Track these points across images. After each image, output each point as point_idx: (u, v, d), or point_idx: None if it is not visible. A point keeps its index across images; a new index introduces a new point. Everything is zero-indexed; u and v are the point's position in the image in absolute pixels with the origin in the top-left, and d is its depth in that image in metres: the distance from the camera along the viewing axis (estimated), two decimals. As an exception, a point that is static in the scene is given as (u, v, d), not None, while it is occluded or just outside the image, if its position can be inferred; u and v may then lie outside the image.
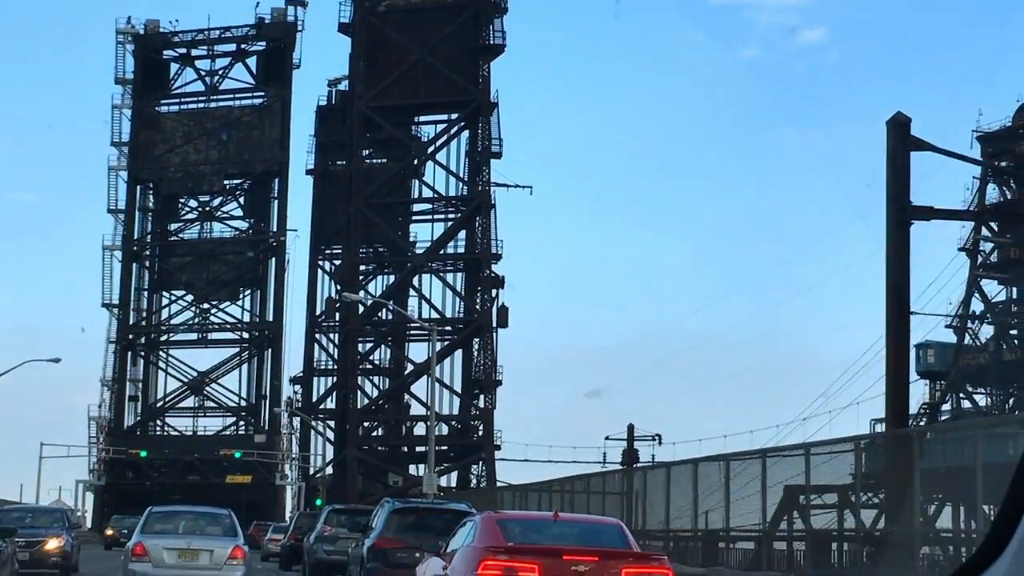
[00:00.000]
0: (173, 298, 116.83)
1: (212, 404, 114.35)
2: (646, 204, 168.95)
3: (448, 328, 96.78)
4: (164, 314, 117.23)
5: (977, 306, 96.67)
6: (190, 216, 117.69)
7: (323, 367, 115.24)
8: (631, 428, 66.65)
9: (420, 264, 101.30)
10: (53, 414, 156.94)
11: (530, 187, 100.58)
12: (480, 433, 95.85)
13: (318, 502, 79.28)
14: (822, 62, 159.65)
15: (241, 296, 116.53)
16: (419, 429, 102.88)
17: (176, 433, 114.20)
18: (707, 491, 29.38)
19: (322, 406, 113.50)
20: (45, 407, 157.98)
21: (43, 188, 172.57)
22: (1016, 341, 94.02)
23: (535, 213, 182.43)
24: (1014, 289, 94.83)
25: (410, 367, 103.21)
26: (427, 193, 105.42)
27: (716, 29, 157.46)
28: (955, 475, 22.54)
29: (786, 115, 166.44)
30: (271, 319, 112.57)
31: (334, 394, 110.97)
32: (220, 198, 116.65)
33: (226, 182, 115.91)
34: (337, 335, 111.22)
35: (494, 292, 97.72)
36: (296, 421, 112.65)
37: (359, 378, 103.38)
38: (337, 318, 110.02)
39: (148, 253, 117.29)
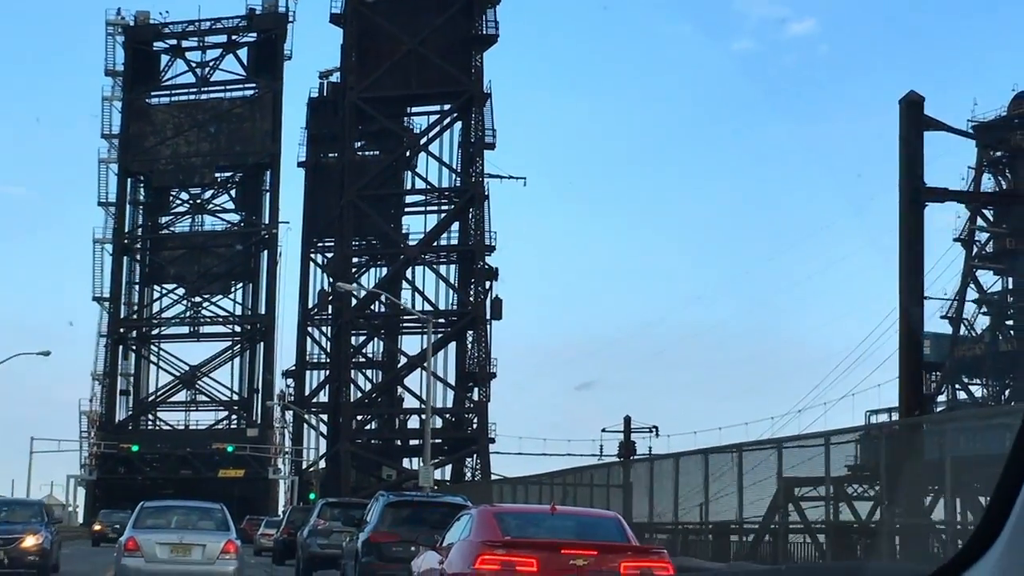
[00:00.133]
0: (164, 291, 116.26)
1: (204, 398, 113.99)
2: (640, 196, 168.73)
3: (442, 320, 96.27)
4: (155, 307, 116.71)
5: (972, 297, 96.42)
6: (181, 209, 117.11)
7: (315, 361, 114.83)
8: (627, 420, 66.21)
9: (413, 256, 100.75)
10: (43, 409, 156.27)
11: (524, 178, 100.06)
12: (474, 426, 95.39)
13: (311, 496, 78.87)
14: (812, 54, 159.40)
15: (233, 289, 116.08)
16: (413, 422, 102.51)
17: (168, 427, 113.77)
18: (712, 482, 28.99)
19: (315, 400, 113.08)
20: (35, 402, 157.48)
21: (32, 181, 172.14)
22: (1012, 332, 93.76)
23: (529, 205, 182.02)
24: (1010, 279, 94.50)
25: (403, 360, 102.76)
26: (420, 184, 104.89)
27: (706, 21, 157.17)
28: (953, 466, 22.14)
29: (778, 108, 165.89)
30: (263, 312, 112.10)
31: (327, 388, 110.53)
32: (211, 191, 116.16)
33: (217, 174, 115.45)
34: (330, 328, 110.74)
35: (488, 284, 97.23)
36: (289, 415, 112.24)
37: (352, 371, 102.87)
38: (330, 311, 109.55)
39: (139, 246, 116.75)
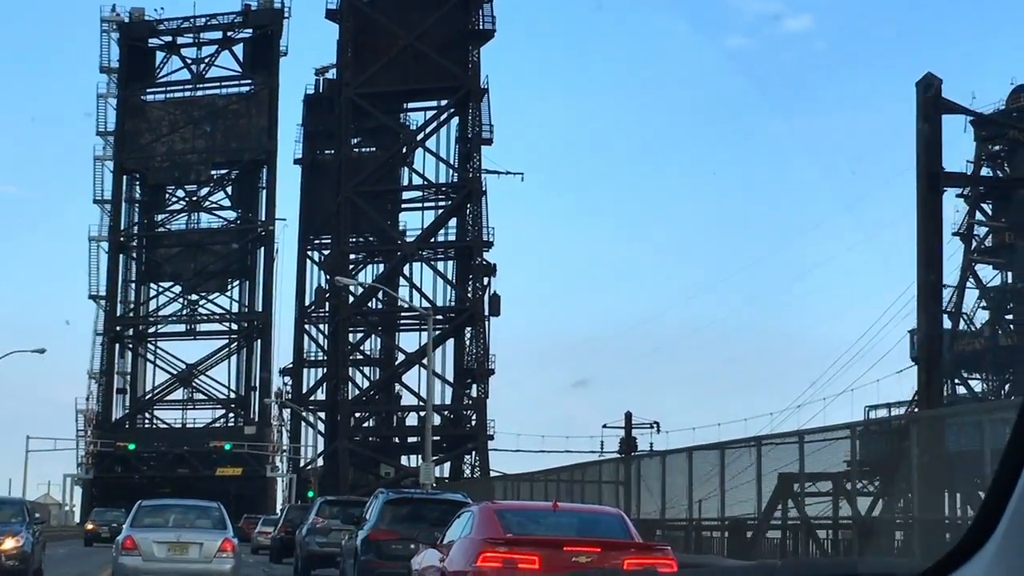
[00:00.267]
0: (161, 289, 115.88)
1: (201, 396, 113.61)
2: (637, 191, 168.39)
3: (440, 317, 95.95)
4: (152, 305, 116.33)
5: (972, 291, 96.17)
6: (177, 206, 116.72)
7: (313, 358, 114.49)
8: (628, 416, 65.83)
9: (410, 252, 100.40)
10: (40, 408, 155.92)
11: (521, 174, 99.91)
12: (473, 423, 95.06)
13: (310, 494, 78.57)
14: (808, 51, 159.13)
15: (230, 287, 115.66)
16: (411, 419, 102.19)
17: (165, 426, 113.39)
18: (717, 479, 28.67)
19: (312, 397, 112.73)
20: (32, 401, 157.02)
21: (27, 180, 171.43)
22: (1012, 326, 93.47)
23: (526, 200, 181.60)
24: (1009, 273, 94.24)
25: (401, 357, 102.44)
26: (417, 181, 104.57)
27: (701, 18, 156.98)
28: (954, 461, 22.15)
29: (774, 104, 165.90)
30: (260, 310, 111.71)
31: (324, 385, 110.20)
32: (207, 188, 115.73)
33: (213, 171, 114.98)
34: (327, 326, 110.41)
35: (486, 280, 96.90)
36: (286, 413, 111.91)
37: (349, 369, 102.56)
38: (327, 308, 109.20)
39: (135, 244, 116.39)
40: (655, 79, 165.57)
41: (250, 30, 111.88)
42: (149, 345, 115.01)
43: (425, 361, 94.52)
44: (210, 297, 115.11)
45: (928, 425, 21.89)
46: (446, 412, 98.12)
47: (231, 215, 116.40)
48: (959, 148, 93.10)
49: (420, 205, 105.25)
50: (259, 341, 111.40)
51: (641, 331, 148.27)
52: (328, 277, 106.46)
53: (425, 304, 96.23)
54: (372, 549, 22.37)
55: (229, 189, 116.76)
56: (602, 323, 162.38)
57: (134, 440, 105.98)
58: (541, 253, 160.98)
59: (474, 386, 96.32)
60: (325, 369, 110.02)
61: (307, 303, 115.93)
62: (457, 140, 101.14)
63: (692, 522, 30.03)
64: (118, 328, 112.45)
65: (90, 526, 65.21)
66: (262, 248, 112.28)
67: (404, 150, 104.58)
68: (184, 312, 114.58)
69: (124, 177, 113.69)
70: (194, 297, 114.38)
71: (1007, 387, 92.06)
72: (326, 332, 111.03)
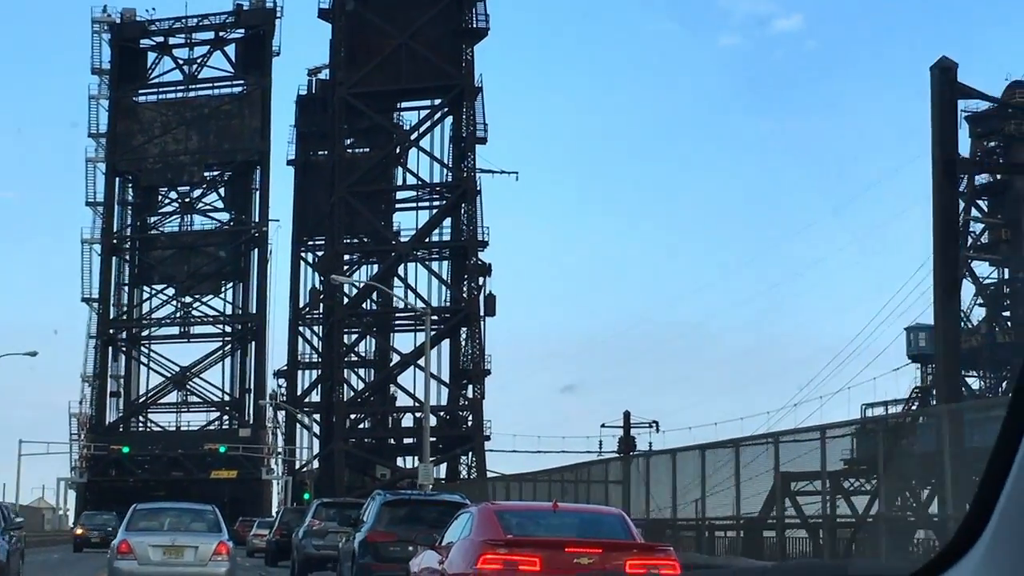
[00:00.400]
0: (154, 292, 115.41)
1: (195, 399, 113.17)
2: (631, 190, 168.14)
3: (435, 317, 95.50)
4: (145, 308, 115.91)
5: (968, 288, 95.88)
6: (170, 208, 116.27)
7: (307, 360, 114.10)
8: (627, 415, 65.39)
9: (405, 253, 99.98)
10: (33, 412, 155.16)
11: (516, 173, 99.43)
12: (469, 423, 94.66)
13: (306, 496, 78.18)
14: (799, 49, 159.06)
15: (223, 289, 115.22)
16: (406, 421, 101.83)
17: (159, 429, 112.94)
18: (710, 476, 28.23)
19: (307, 399, 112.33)
20: (25, 405, 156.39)
21: (19, 183, 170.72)
22: (1009, 323, 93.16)
23: (521, 200, 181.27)
24: (1006, 270, 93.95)
25: (395, 358, 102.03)
26: (411, 180, 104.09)
27: (693, 18, 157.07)
28: (953, 458, 21.65)
29: (769, 103, 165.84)
30: (254, 312, 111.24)
31: (319, 387, 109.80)
32: (200, 189, 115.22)
33: (206, 173, 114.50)
34: (321, 327, 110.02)
35: (481, 280, 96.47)
36: (281, 415, 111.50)
37: (344, 370, 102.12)
38: (321, 309, 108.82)
39: (128, 246, 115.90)
40: (649, 77, 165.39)
41: (242, 30, 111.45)
42: (143, 348, 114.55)
43: (420, 362, 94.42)
44: (204, 299, 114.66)
45: (952, 419, 21.54)
46: (442, 413, 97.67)
47: (224, 217, 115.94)
48: (959, 145, 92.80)
49: (414, 205, 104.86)
50: (253, 343, 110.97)
51: (636, 331, 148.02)
52: (322, 278, 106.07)
53: (420, 304, 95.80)
54: (370, 551, 22.12)
55: (222, 191, 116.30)
56: (597, 322, 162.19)
57: (128, 443, 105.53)
58: (536, 253, 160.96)
59: (470, 387, 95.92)
60: (320, 371, 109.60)
61: (301, 305, 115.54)
62: (451, 139, 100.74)
63: (703, 521, 29.51)
64: (111, 331, 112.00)
65: (79, 531, 61.76)
66: (255, 250, 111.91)
67: (398, 150, 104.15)
68: (178, 314, 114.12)
69: (116, 179, 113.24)
70: (188, 299, 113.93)
71: (1005, 384, 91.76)
72: (320, 334, 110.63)
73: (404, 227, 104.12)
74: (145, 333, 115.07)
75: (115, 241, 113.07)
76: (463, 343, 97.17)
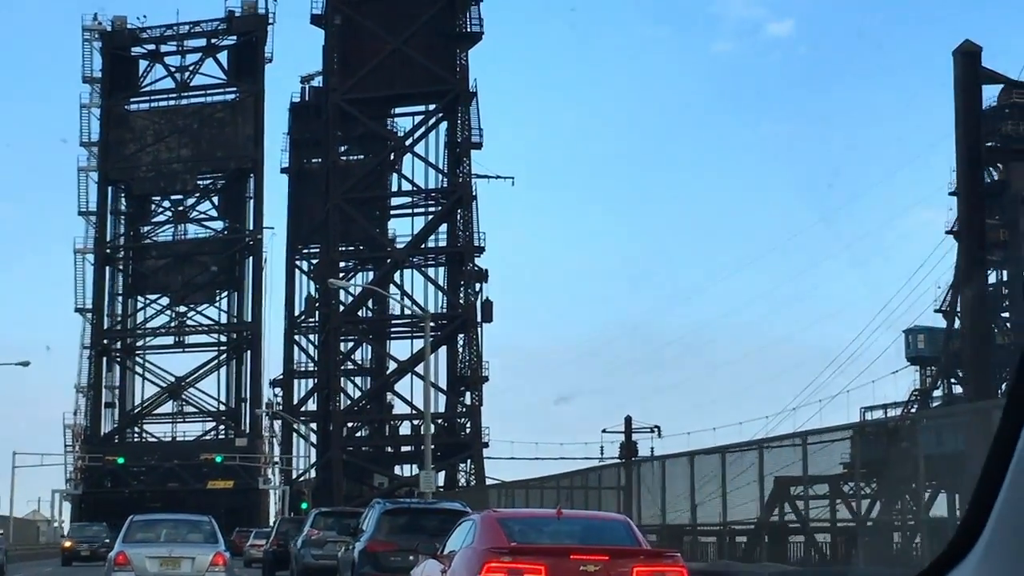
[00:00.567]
0: (148, 301, 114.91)
1: (191, 409, 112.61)
2: (628, 194, 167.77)
3: (432, 324, 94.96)
4: (139, 318, 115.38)
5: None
6: (163, 217, 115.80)
7: (303, 369, 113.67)
8: (628, 420, 64.84)
9: (401, 259, 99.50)
10: (28, 424, 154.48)
11: (512, 178, 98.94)
12: (467, 431, 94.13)
13: (304, 506, 77.64)
14: (792, 55, 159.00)
15: (218, 298, 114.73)
16: (404, 428, 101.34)
17: (154, 439, 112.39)
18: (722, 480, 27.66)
19: (303, 408, 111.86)
20: (19, 417, 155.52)
21: (9, 193, 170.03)
22: (1008, 325, 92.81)
23: (518, 205, 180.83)
24: (1004, 272, 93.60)
25: (392, 366, 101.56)
26: (406, 186, 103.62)
27: (685, 23, 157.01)
28: (951, 461, 22.00)
29: (766, 107, 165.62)
30: (249, 320, 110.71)
31: (315, 396, 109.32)
32: (194, 198, 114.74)
33: (199, 181, 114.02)
34: (317, 336, 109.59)
35: (477, 286, 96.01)
36: (277, 425, 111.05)
37: (340, 379, 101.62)
38: (317, 317, 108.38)
39: (121, 256, 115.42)
40: (643, 81, 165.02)
41: (234, 37, 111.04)
42: (137, 358, 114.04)
43: (418, 369, 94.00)
44: (198, 308, 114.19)
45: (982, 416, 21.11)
46: (440, 420, 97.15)
47: (218, 225, 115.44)
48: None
49: (410, 211, 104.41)
50: (249, 352, 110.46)
51: (634, 336, 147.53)
52: (318, 286, 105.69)
53: (417, 311, 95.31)
54: (370, 561, 21.84)
55: (215, 199, 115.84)
56: (595, 327, 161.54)
57: (123, 454, 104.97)
58: (533, 258, 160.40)
59: (468, 393, 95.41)
60: (316, 379, 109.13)
61: (296, 313, 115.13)
62: (446, 144, 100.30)
63: (724, 527, 28.88)
64: (105, 341, 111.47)
65: (68, 543, 58.43)
66: (250, 258, 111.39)
67: (392, 156, 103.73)
68: (172, 324, 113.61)
69: (109, 188, 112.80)
70: (182, 309, 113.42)
71: (1004, 387, 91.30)
72: (316, 342, 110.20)
73: (400, 233, 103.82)
74: (140, 343, 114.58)
75: (108, 251, 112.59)
76: (460, 350, 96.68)
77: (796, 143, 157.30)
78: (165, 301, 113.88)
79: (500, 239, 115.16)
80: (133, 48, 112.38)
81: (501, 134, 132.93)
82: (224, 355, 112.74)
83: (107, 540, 50.99)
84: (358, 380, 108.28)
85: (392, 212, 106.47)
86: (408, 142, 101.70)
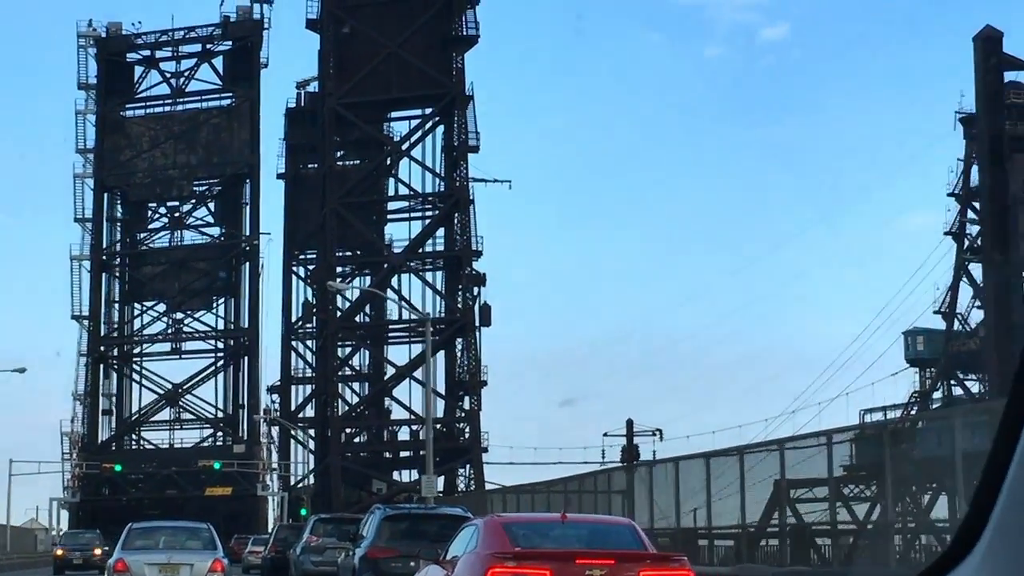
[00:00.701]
0: (145, 308, 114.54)
1: (189, 416, 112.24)
2: (626, 196, 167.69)
3: (430, 328, 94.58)
4: (136, 325, 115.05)
5: (966, 291, 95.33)
6: (159, 223, 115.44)
7: (301, 375, 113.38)
8: (630, 424, 64.50)
9: (399, 264, 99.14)
10: (23, 431, 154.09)
11: (509, 181, 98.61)
12: (466, 435, 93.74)
13: (303, 512, 77.37)
14: (786, 58, 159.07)
15: (215, 304, 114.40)
16: (402, 434, 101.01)
17: (152, 447, 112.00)
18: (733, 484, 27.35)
19: (301, 414, 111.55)
20: (14, 424, 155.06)
21: (5, 200, 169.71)
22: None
23: (515, 208, 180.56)
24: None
25: (390, 371, 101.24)
26: (403, 191, 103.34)
27: (679, 28, 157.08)
28: (951, 464, 21.68)
29: (763, 111, 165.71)
30: (246, 326, 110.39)
31: (313, 402, 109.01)
32: (190, 204, 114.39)
33: (195, 187, 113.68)
34: (314, 341, 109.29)
35: (475, 290, 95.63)
36: (275, 431, 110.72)
37: (338, 384, 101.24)
38: (314, 323, 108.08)
39: (118, 263, 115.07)
40: (640, 84, 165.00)
41: (229, 42, 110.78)
42: (134, 365, 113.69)
43: (416, 373, 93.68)
44: (195, 315, 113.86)
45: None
46: (439, 425, 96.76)
47: (214, 231, 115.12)
48: (953, 146, 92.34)
49: (407, 216, 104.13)
50: (246, 358, 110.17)
51: (632, 340, 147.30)
52: (315, 291, 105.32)
53: (414, 316, 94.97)
54: (371, 567, 21.71)
55: (212, 205, 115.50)
56: (593, 331, 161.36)
57: (120, 462, 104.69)
58: (531, 261, 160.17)
59: (467, 398, 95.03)
60: (313, 385, 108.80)
61: (294, 319, 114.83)
62: (443, 149, 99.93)
63: (744, 528, 28.46)
64: (102, 348, 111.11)
65: (59, 552, 55.59)
66: (247, 264, 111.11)
67: (389, 160, 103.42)
68: (169, 331, 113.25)
69: (105, 195, 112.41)
70: (179, 315, 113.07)
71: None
72: (313, 348, 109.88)
73: (397, 238, 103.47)
74: (137, 350, 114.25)
75: (104, 258, 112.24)
76: (459, 354, 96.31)
77: (792, 146, 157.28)
78: (162, 308, 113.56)
79: (498, 243, 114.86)
80: (128, 54, 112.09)
81: (498, 138, 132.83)
82: (221, 361, 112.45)
83: (107, 548, 50.21)
84: (356, 385, 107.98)
85: (389, 217, 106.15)
86: (405, 146, 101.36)
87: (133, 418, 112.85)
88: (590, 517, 23.94)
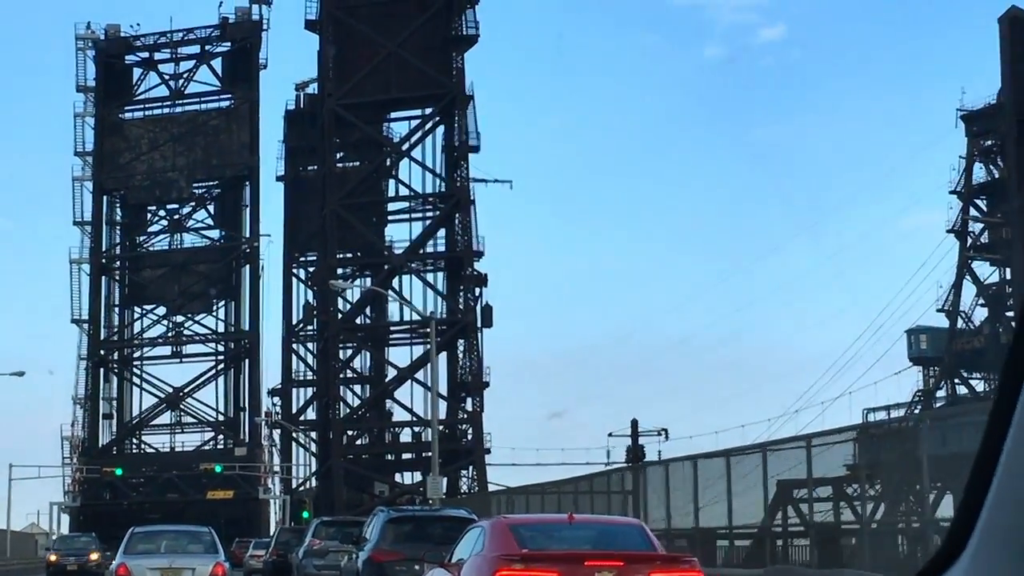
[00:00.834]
0: (145, 311, 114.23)
1: (190, 419, 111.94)
2: (626, 199, 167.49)
3: (435, 329, 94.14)
4: (136, 328, 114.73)
5: (969, 289, 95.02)
6: (159, 226, 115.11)
7: (302, 378, 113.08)
8: (635, 424, 64.19)
9: (399, 265, 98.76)
10: (23, 435, 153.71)
11: (510, 181, 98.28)
12: (469, 437, 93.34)
13: (305, 515, 77.01)
14: (785, 59, 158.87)
15: (215, 307, 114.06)
16: (404, 436, 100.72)
17: (153, 450, 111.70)
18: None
19: (302, 417, 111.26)
20: (15, 430, 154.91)
21: (4, 205, 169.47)
22: (1012, 322, 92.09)
23: (516, 209, 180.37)
24: (1007, 269, 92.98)
25: (391, 373, 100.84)
26: (403, 192, 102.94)
27: (677, 28, 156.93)
28: (957, 462, 21.54)
29: (763, 110, 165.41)
30: (247, 329, 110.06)
31: (314, 404, 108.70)
32: (189, 206, 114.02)
33: (195, 189, 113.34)
34: (315, 344, 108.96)
35: (477, 291, 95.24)
36: (276, 434, 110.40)
37: (340, 386, 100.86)
38: (315, 325, 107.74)
39: (117, 266, 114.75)
40: (639, 85, 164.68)
41: (228, 44, 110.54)
42: (135, 369, 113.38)
43: (418, 375, 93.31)
44: (195, 318, 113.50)
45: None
46: (441, 427, 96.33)
47: (214, 234, 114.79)
48: (953, 145, 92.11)
49: (407, 217, 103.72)
50: (247, 361, 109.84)
51: (635, 340, 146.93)
52: (316, 293, 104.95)
53: (416, 317, 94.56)
54: (375, 571, 21.47)
55: (211, 207, 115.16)
56: (596, 332, 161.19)
57: (121, 465, 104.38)
58: (532, 262, 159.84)
59: (469, 399, 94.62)
60: (315, 388, 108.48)
61: (294, 321, 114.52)
62: (443, 149, 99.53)
63: (764, 529, 27.96)
64: (102, 352, 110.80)
65: (52, 557, 52.26)
66: (247, 266, 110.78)
67: (389, 161, 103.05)
68: (169, 334, 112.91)
69: (104, 197, 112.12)
70: (179, 318, 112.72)
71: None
72: (314, 350, 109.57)
73: (397, 239, 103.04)
74: (137, 354, 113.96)
75: (104, 261, 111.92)
76: (460, 355, 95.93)
77: (794, 145, 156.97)
78: (162, 311, 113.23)
79: (499, 243, 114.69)
80: (127, 56, 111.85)
81: (499, 138, 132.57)
82: (222, 364, 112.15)
83: (105, 552, 49.30)
84: (357, 388, 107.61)
85: (389, 218, 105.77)
86: (405, 147, 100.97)
87: (134, 422, 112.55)
88: (598, 518, 23.84)
